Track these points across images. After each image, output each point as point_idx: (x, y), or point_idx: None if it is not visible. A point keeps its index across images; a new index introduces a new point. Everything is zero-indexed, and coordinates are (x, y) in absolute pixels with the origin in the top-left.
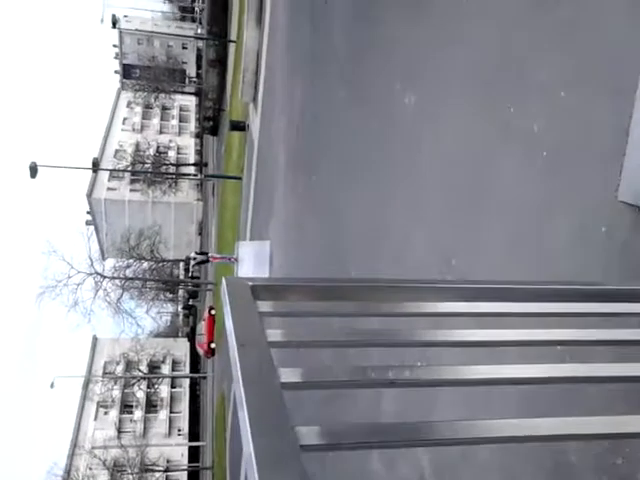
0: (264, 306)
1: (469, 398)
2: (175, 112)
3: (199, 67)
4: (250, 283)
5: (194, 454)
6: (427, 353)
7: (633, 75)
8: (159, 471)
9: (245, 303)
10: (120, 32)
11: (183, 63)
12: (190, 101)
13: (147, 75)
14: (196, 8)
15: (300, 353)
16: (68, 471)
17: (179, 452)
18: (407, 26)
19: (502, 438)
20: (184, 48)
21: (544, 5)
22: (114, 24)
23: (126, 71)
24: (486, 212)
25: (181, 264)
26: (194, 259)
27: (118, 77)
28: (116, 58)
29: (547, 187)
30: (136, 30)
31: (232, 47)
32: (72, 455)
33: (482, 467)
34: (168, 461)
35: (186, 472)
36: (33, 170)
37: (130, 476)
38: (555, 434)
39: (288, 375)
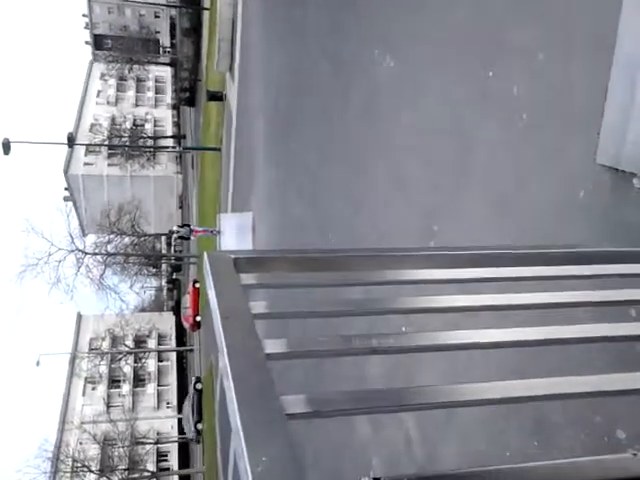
0: (247, 279)
1: (452, 361)
2: (150, 84)
3: (173, 37)
4: (232, 256)
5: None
6: (410, 320)
7: (611, 34)
8: (150, 444)
9: (228, 276)
10: (89, 0)
11: (156, 33)
12: (165, 72)
13: (119, 46)
14: None
15: (285, 324)
16: (58, 446)
17: (169, 424)
18: None
19: (484, 400)
20: (157, 17)
21: None
22: None
23: (97, 42)
24: (467, 177)
25: (163, 238)
26: (177, 232)
27: (89, 48)
28: (86, 28)
29: (527, 150)
30: None
31: (206, 15)
32: (62, 431)
33: (466, 425)
34: (158, 434)
35: (176, 444)
36: (6, 147)
37: (121, 449)
38: (538, 394)
39: (272, 346)
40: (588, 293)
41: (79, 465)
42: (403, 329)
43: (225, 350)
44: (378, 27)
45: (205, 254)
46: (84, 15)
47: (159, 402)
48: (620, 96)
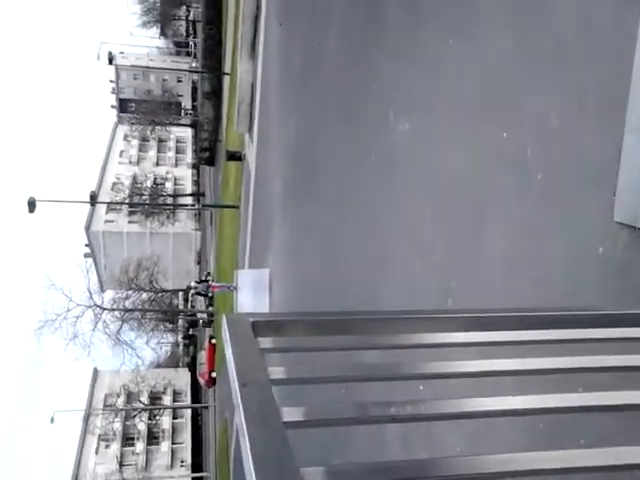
0: (265, 342)
1: (472, 422)
2: (171, 144)
3: (194, 99)
4: (251, 319)
5: None
6: (428, 385)
7: (623, 95)
8: None
9: (246, 340)
10: (116, 68)
11: (179, 96)
12: (186, 132)
13: (143, 109)
14: (190, 42)
15: (302, 387)
16: None
17: None
18: (398, 60)
19: (504, 473)
20: (179, 81)
21: (529, 36)
22: (110, 61)
23: (122, 105)
24: (483, 236)
25: (180, 294)
26: (195, 288)
27: (115, 111)
28: (113, 93)
29: (543, 210)
30: (132, 66)
31: (227, 79)
32: None
33: None
34: None
35: None
36: (31, 205)
37: None
38: (560, 467)
39: (291, 414)
40: (612, 358)
41: None
42: (420, 387)
43: (243, 419)
44: (394, 90)
45: (224, 316)
46: (111, 81)
47: (173, 460)
48: (634, 154)
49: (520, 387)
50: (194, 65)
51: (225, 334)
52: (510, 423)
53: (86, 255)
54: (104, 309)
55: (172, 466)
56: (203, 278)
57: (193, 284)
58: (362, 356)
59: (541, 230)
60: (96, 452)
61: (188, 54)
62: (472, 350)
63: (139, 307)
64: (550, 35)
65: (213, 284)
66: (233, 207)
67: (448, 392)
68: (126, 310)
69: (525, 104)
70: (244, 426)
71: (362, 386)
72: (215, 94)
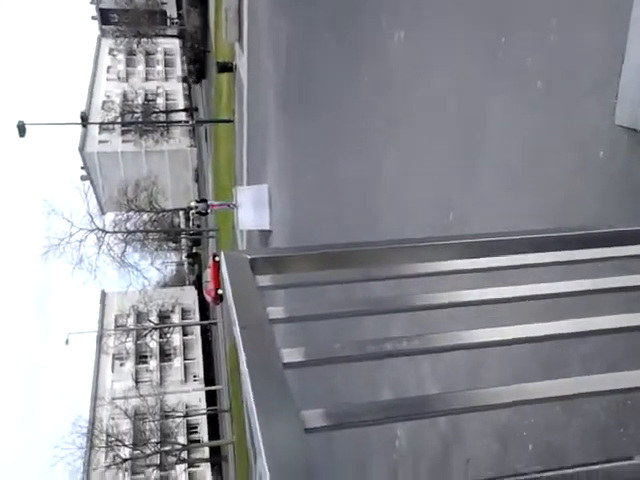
0: (264, 280)
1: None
2: (160, 57)
3: (179, 7)
4: (248, 257)
5: (211, 398)
6: (432, 315)
7: None
8: (179, 417)
9: (244, 279)
10: None
11: (162, 4)
12: (174, 44)
13: (126, 19)
14: None
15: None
16: (92, 422)
17: (197, 397)
18: None
19: (504, 404)
20: None
21: None
22: None
23: (104, 16)
24: (483, 147)
25: (181, 213)
26: (195, 207)
27: (97, 23)
28: (92, 3)
29: (543, 117)
30: None
31: None
32: (94, 407)
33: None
34: (187, 406)
35: (205, 416)
36: (21, 129)
37: (152, 423)
38: (563, 395)
39: (290, 355)
40: (616, 279)
41: (113, 439)
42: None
43: (245, 362)
44: None
45: (222, 254)
46: None
47: (186, 375)
48: (637, 57)
49: (519, 315)
50: None
51: (224, 274)
52: (517, 351)
53: (83, 178)
54: (106, 232)
55: (186, 381)
56: (202, 198)
57: (193, 204)
58: (365, 290)
59: (542, 138)
60: (112, 370)
61: None
62: (475, 277)
63: (141, 228)
64: None
65: (213, 203)
66: (228, 121)
67: (448, 324)
68: (128, 232)
69: (524, 8)
70: (245, 369)
71: (363, 322)
72: (201, 1)
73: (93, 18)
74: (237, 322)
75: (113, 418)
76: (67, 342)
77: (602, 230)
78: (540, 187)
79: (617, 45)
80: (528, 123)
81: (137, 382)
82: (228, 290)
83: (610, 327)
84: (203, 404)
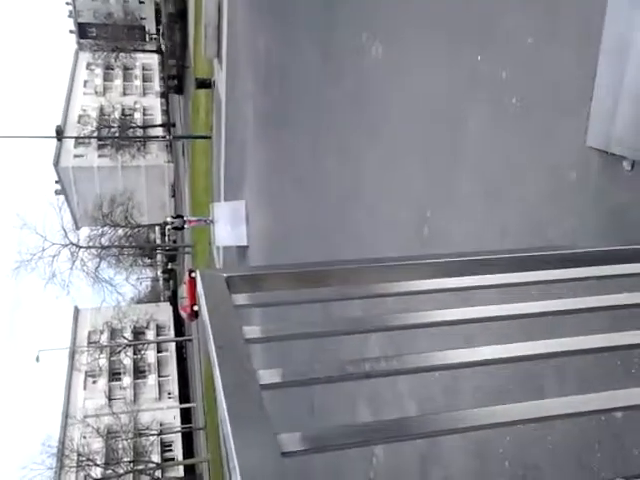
0: (240, 298)
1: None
2: (138, 72)
3: (159, 22)
4: (225, 275)
5: (186, 416)
6: (407, 335)
7: (599, 17)
8: (153, 435)
9: (221, 298)
10: None
11: (142, 19)
12: (152, 59)
13: (105, 34)
14: None
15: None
16: (62, 441)
17: (171, 415)
18: None
19: (481, 426)
20: (141, 2)
21: None
22: None
23: (82, 30)
24: (458, 162)
25: (157, 228)
26: (171, 223)
27: (74, 37)
28: (70, 17)
29: (517, 135)
30: None
31: (191, 0)
32: (65, 426)
33: None
34: (161, 424)
35: (180, 434)
36: None
37: (125, 442)
38: (538, 417)
39: (267, 376)
40: (592, 298)
41: (84, 459)
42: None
43: (220, 383)
44: (366, 11)
45: (198, 272)
46: (67, 3)
47: (160, 393)
48: (609, 79)
49: (494, 334)
50: None
51: (200, 291)
52: (490, 371)
53: (57, 192)
54: (80, 247)
55: (160, 398)
56: (178, 214)
57: (169, 219)
58: (342, 308)
59: (515, 156)
60: (84, 388)
61: None
62: (450, 296)
63: (116, 243)
64: None
65: (190, 218)
66: (205, 137)
67: (425, 341)
68: (103, 247)
69: (501, 27)
70: (221, 389)
71: (341, 338)
72: (180, 16)
73: (71, 32)
74: (213, 341)
75: (85, 437)
76: (37, 359)
77: (575, 250)
78: (514, 205)
79: (589, 68)
80: (504, 141)
81: (110, 399)
82: (204, 308)
83: (584, 347)
84: (178, 422)
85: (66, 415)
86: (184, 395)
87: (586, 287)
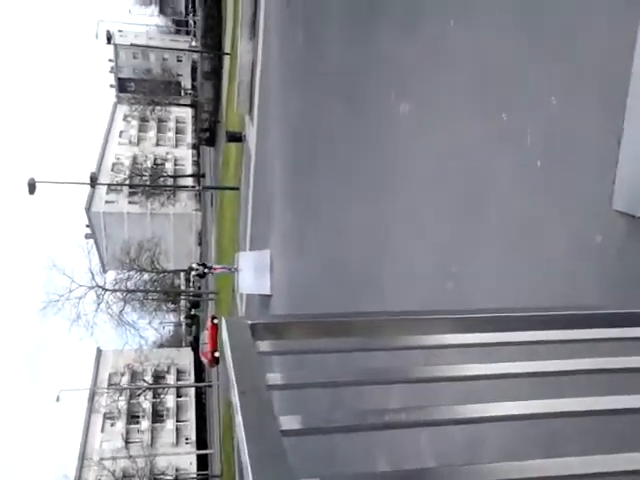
0: (264, 346)
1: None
2: (171, 124)
3: (194, 79)
4: (249, 322)
5: (203, 462)
6: (429, 387)
7: (623, 82)
8: None
9: (245, 344)
10: (115, 47)
11: (178, 75)
12: (186, 113)
13: (143, 88)
14: (190, 21)
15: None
16: None
17: (187, 460)
18: (400, 41)
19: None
20: (179, 61)
21: (530, 16)
22: (109, 40)
23: (122, 85)
24: (482, 222)
25: (182, 274)
26: (196, 270)
27: (114, 91)
28: (111, 72)
29: (542, 197)
30: (131, 44)
31: (227, 59)
32: (81, 467)
33: None
34: (177, 470)
35: None
36: (31, 187)
37: None
38: (560, 475)
39: (288, 422)
40: (615, 359)
41: None
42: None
43: (242, 428)
44: (395, 71)
45: (223, 319)
46: (110, 60)
47: (178, 438)
48: (635, 141)
49: (515, 390)
50: (194, 44)
51: (224, 338)
52: (515, 427)
53: (87, 236)
54: (106, 290)
55: (177, 443)
56: (203, 262)
57: (194, 265)
58: (364, 358)
59: (540, 218)
60: (102, 430)
61: (188, 33)
62: (473, 351)
63: (141, 288)
64: (552, 18)
65: (215, 266)
66: (233, 189)
67: (446, 393)
68: (128, 291)
69: (524, 85)
70: (243, 435)
71: (362, 388)
72: (215, 74)
73: (111, 86)
74: (236, 387)
75: (100, 479)
76: (58, 399)
77: (600, 311)
78: (537, 264)
79: (615, 129)
80: (527, 201)
81: (127, 442)
82: (228, 354)
83: (607, 408)
84: (194, 468)
85: (82, 456)
86: (202, 441)
87: (608, 348)
